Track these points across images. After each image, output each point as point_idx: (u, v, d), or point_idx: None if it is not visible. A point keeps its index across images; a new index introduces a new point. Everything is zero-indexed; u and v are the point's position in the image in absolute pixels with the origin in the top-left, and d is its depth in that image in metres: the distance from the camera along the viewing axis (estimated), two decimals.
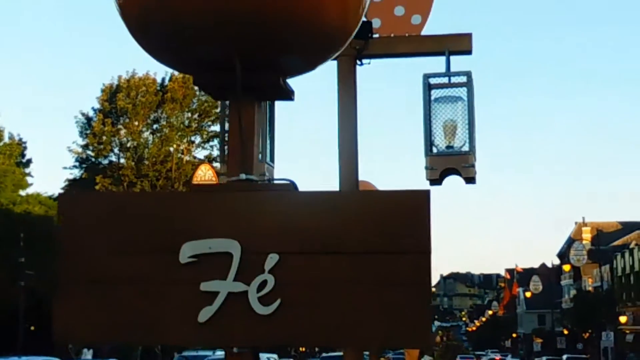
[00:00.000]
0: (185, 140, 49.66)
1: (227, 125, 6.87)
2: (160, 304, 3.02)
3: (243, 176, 3.10)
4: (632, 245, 62.10)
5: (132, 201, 3.27)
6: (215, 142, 49.66)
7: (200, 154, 50.07)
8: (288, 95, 3.28)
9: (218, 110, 46.30)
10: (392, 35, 7.61)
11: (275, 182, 3.16)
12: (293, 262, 2.95)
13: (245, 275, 2.97)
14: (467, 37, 7.51)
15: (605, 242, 68.38)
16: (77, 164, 50.47)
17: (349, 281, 2.94)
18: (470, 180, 7.22)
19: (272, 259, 2.96)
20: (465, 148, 7.21)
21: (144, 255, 3.05)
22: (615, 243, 69.81)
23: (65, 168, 52.05)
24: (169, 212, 3.07)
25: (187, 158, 48.86)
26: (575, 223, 79.92)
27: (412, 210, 2.93)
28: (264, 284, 2.97)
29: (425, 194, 2.93)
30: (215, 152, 49.40)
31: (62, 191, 49.89)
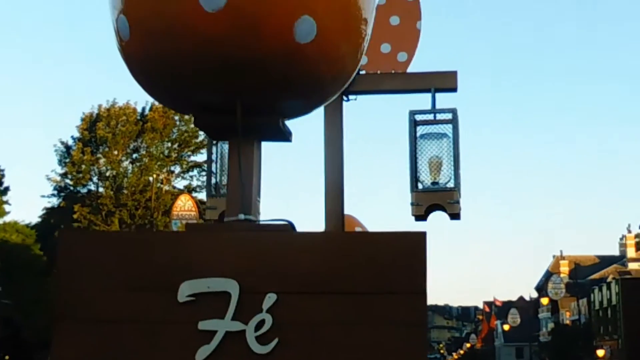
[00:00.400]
0: (164, 170, 49.46)
1: (213, 155, 6.91)
2: (158, 342, 3.04)
3: (242, 216, 3.13)
4: (609, 279, 62.31)
5: (131, 240, 3.29)
6: (195, 172, 49.51)
7: (180, 183, 49.87)
8: (286, 136, 3.33)
9: (198, 140, 46.06)
10: (378, 72, 7.67)
11: (273, 222, 3.20)
12: (291, 302, 2.99)
13: (243, 315, 3.00)
14: (453, 74, 7.59)
15: (583, 276, 68.59)
16: (55, 192, 50.04)
17: (346, 321, 2.97)
18: (455, 216, 7.26)
19: (270, 299, 3.00)
20: (451, 184, 7.26)
21: (142, 294, 3.07)
22: (593, 276, 70.03)
23: (43, 196, 51.59)
24: (168, 251, 3.10)
25: (166, 188, 48.61)
26: (553, 256, 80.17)
27: (408, 252, 2.97)
28: (261, 323, 2.99)
29: (422, 236, 2.98)
30: (195, 182, 49.23)
31: (39, 219, 49.53)
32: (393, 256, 2.98)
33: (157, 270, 3.07)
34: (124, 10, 3.06)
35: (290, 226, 3.15)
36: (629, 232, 68.05)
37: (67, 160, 48.59)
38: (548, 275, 73.85)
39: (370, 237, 3.22)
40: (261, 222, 3.23)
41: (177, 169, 50.07)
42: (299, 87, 3.14)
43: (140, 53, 3.11)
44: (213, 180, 7.08)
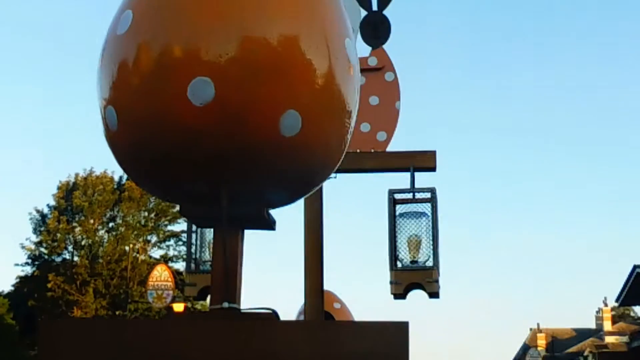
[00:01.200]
0: (141, 240, 49.27)
1: (193, 227, 6.89)
2: None
3: (226, 304, 3.15)
4: (586, 353, 62.17)
5: (113, 328, 3.29)
6: (172, 241, 49.37)
7: (156, 253, 49.70)
8: (270, 225, 3.39)
9: (175, 209, 45.98)
10: (358, 150, 7.76)
11: (257, 311, 3.23)
12: None
13: None
14: (432, 154, 7.69)
15: (560, 349, 68.35)
16: (29, 261, 49.67)
17: None
18: (434, 295, 7.30)
19: None
20: (429, 263, 7.31)
21: None
22: (570, 350, 69.79)
23: (17, 265, 51.26)
24: (150, 340, 3.10)
25: (142, 257, 48.38)
26: (530, 329, 79.90)
27: (391, 342, 3.00)
28: None
29: (404, 326, 3.02)
30: (172, 252, 49.07)
31: (12, 288, 48.93)
32: (376, 346, 3.00)
33: (138, 358, 3.07)
34: (112, 101, 3.11)
35: (274, 315, 3.18)
36: (605, 305, 68.08)
37: (42, 228, 48.33)
38: (525, 348, 73.56)
39: (354, 327, 3.25)
40: (245, 311, 3.25)
41: (154, 239, 49.92)
42: (284, 178, 3.20)
43: (128, 144, 3.16)
44: (192, 249, 7.08)
